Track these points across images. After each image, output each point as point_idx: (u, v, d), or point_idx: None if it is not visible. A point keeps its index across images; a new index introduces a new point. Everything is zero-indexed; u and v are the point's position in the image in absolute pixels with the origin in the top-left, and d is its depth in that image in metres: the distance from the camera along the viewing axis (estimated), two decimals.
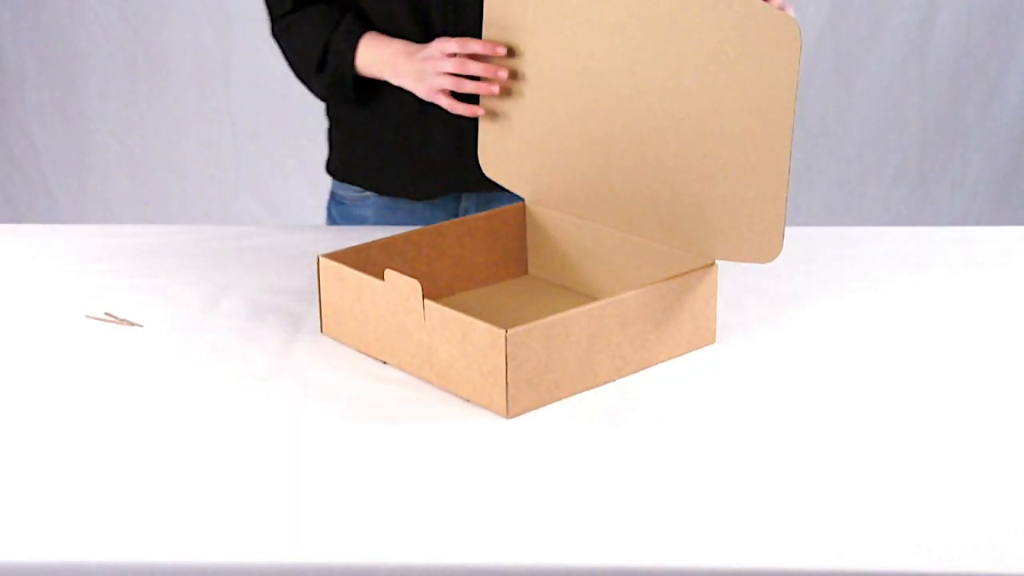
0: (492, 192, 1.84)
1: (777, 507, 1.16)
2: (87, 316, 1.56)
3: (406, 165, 1.84)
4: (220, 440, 1.30)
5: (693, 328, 1.45)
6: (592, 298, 1.54)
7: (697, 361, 1.44)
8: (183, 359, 1.47)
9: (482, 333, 1.30)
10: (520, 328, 1.30)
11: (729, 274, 1.65)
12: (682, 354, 1.45)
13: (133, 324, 1.54)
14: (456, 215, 1.88)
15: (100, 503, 1.20)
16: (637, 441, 1.28)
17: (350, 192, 1.90)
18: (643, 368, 1.41)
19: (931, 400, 1.35)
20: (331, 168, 1.94)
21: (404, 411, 1.35)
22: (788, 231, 1.88)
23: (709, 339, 1.47)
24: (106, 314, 1.56)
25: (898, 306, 1.58)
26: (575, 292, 1.61)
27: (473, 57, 1.61)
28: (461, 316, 1.32)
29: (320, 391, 1.38)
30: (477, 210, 1.88)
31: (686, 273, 1.43)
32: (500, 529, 1.14)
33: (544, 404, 1.34)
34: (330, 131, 1.94)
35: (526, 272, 1.67)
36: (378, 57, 1.75)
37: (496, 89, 1.59)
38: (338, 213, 1.93)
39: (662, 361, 1.43)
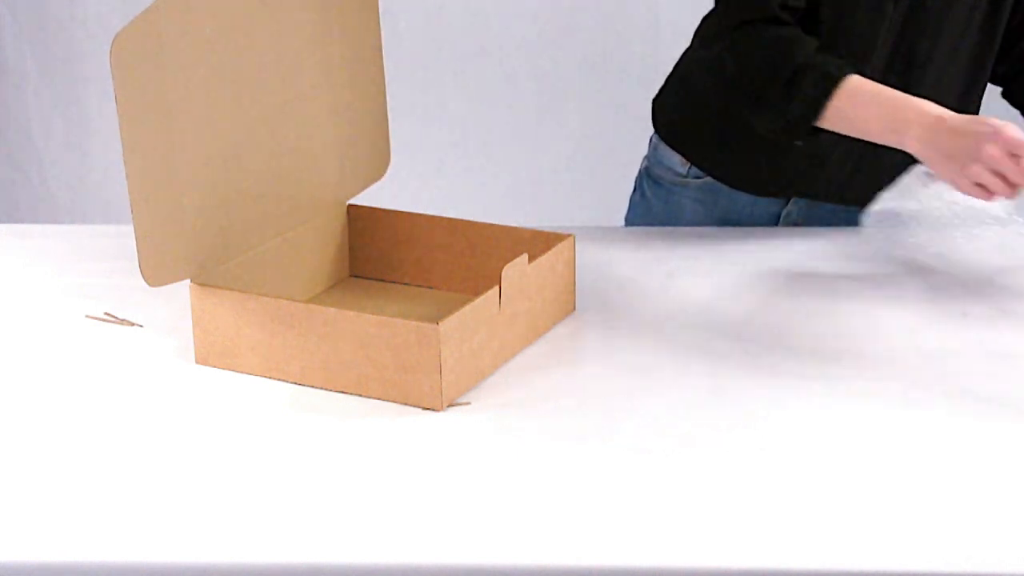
0: (821, 201, 1.80)
1: (777, 506, 1.16)
2: (87, 316, 1.56)
3: (756, 156, 1.77)
4: (220, 440, 1.29)
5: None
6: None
7: (693, 361, 1.44)
8: (183, 359, 1.47)
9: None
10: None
11: (724, 274, 1.67)
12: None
13: (133, 324, 1.54)
14: (778, 217, 1.83)
15: (99, 503, 1.19)
16: (632, 446, 1.28)
17: (669, 173, 1.84)
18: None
19: (929, 400, 1.35)
20: (659, 124, 1.87)
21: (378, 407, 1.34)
22: (784, 232, 1.92)
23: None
24: (106, 314, 1.55)
25: (894, 305, 1.58)
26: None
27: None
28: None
29: (322, 390, 1.38)
30: (799, 214, 1.85)
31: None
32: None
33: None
34: (670, 80, 1.87)
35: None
36: (887, 114, 1.55)
37: (1015, 196, 1.51)
38: (654, 194, 1.83)
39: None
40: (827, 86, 1.57)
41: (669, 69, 1.91)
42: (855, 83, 1.57)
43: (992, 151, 1.46)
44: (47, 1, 3.44)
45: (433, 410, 1.33)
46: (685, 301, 1.59)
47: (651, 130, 1.90)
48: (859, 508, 1.16)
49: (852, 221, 1.79)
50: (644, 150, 1.87)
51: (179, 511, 1.17)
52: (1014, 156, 1.46)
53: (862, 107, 1.56)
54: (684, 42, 1.83)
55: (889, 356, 1.45)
